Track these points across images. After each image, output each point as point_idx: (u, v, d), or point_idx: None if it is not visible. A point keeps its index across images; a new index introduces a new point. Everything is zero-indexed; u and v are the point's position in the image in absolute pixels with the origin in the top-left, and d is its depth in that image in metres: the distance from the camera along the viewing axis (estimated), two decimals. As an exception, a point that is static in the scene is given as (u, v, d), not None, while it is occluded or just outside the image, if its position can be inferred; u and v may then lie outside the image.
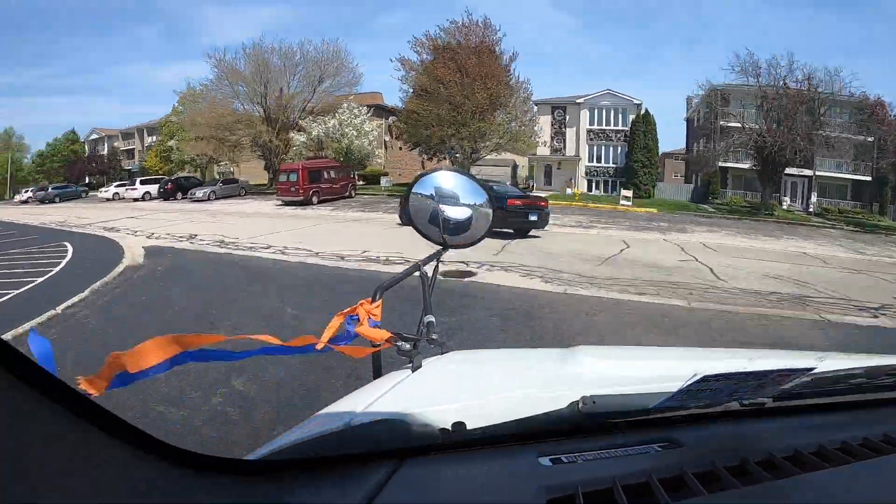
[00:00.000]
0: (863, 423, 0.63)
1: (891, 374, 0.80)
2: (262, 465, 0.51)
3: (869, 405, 0.73)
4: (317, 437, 0.54)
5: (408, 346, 0.84)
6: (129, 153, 45.63)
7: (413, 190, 1.02)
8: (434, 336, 0.90)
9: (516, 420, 0.58)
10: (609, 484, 0.46)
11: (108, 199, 28.42)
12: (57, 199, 30.28)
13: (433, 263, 1.08)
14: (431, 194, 1.01)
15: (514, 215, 10.66)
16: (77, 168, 42.26)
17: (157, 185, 27.43)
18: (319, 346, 0.84)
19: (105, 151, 45.91)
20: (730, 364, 0.56)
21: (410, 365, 0.82)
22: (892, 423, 0.62)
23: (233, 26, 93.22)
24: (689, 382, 0.52)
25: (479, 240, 1.04)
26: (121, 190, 28.78)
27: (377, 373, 0.93)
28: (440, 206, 1.00)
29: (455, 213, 1.01)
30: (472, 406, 0.63)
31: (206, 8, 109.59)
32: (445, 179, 1.02)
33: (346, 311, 0.94)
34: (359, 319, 0.91)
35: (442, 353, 0.94)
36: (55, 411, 0.33)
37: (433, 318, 0.94)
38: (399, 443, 0.54)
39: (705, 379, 0.52)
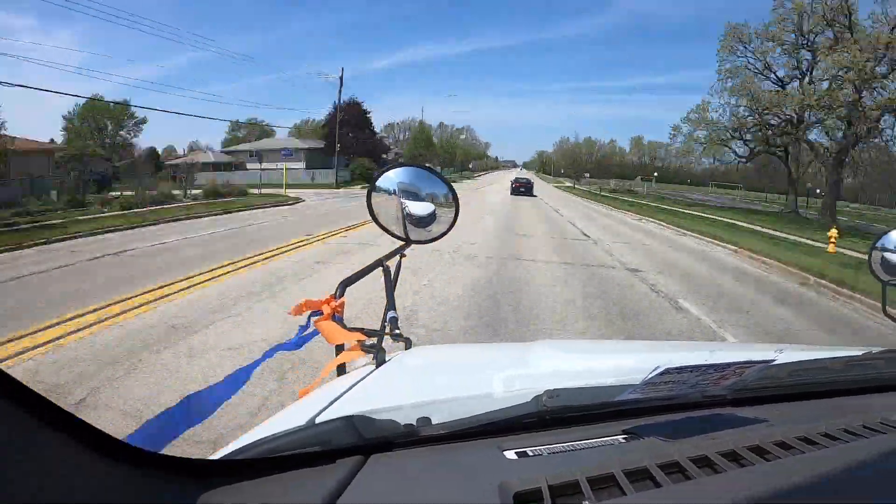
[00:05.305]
0: (822, 414, 0.66)
1: (848, 364, 0.84)
2: (226, 464, 0.50)
3: (827, 395, 0.76)
4: (281, 434, 0.53)
5: (371, 341, 0.83)
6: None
7: (375, 185, 1.00)
8: (398, 331, 0.89)
9: (481, 414, 0.58)
10: (575, 476, 0.46)
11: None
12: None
13: (396, 259, 1.07)
14: (394, 189, 0.99)
15: None
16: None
17: None
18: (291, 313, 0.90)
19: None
20: (691, 357, 0.57)
21: (374, 360, 0.81)
22: (851, 412, 0.64)
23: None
24: (651, 375, 0.53)
25: (442, 235, 1.03)
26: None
27: (341, 369, 0.92)
28: (402, 200, 0.99)
29: (417, 208, 1.00)
30: (437, 401, 0.63)
31: None
32: (407, 175, 1.01)
33: (312, 301, 0.91)
34: (322, 314, 0.89)
35: (406, 349, 0.93)
36: (6, 410, 0.32)
37: (396, 314, 0.92)
38: (364, 439, 0.53)
39: (667, 371, 0.53)
